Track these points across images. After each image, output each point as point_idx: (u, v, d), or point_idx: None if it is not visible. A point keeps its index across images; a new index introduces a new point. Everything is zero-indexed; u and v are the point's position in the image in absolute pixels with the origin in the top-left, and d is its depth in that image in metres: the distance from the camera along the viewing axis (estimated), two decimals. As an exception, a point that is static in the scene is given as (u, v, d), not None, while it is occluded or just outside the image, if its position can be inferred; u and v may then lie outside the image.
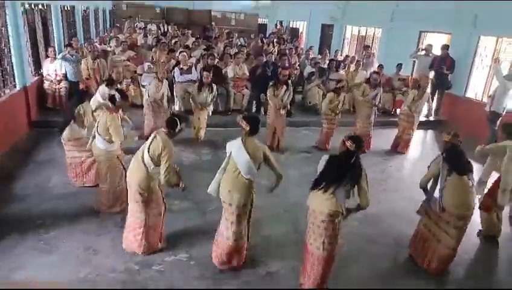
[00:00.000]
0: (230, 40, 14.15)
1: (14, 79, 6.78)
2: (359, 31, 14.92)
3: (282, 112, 6.85)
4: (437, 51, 9.47)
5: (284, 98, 6.82)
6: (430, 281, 3.90)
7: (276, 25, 21.36)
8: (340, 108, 6.98)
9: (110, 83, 5.77)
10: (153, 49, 10.24)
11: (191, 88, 7.07)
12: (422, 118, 8.85)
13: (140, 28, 15.69)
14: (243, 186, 3.56)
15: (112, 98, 4.43)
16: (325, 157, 3.40)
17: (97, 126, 4.40)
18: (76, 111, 4.93)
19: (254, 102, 8.88)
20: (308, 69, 10.08)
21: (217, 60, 9.11)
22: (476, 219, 4.54)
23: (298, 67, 11.05)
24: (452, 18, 9.46)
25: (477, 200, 4.32)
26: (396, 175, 6.53)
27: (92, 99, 5.36)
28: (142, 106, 7.15)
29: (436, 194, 3.90)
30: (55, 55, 8.03)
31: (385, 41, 12.39)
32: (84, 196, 4.87)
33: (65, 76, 8.03)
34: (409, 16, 11.21)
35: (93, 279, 3.50)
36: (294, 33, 19.77)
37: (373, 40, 13.86)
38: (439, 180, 3.82)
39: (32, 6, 7.88)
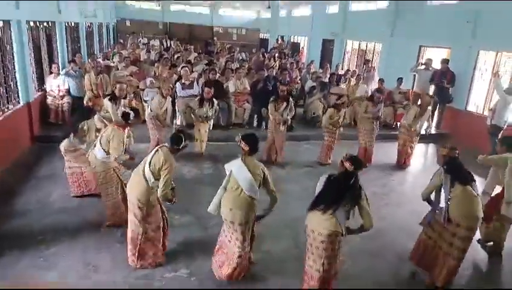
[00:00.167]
0: (232, 54, 14.31)
1: (18, 95, 6.86)
2: (359, 45, 15.06)
3: (282, 127, 6.86)
4: (437, 65, 9.53)
5: (285, 114, 6.84)
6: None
7: (277, 39, 21.62)
8: (342, 122, 7.01)
9: (113, 98, 5.82)
10: (156, 65, 10.36)
11: (193, 103, 7.13)
12: (423, 131, 8.85)
13: (143, 44, 15.91)
14: (245, 204, 3.56)
15: (125, 115, 4.44)
16: (323, 178, 3.39)
17: (100, 137, 4.43)
18: (80, 126, 4.98)
19: (255, 116, 8.92)
20: (309, 83, 10.15)
21: (218, 74, 9.21)
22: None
23: (299, 82, 11.14)
24: (451, 33, 9.55)
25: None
26: (399, 189, 6.50)
27: (96, 117, 5.42)
28: (144, 120, 7.19)
29: (441, 205, 3.89)
30: (58, 71, 8.15)
31: (385, 55, 12.50)
32: (85, 211, 4.88)
33: (68, 91, 8.14)
34: (408, 31, 11.34)
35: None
36: (296, 48, 19.99)
37: (373, 53, 13.99)
38: (443, 192, 3.81)
39: (37, 24, 8.02)
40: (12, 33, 6.54)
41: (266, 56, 14.46)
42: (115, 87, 6.00)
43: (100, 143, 4.38)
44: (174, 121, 8.23)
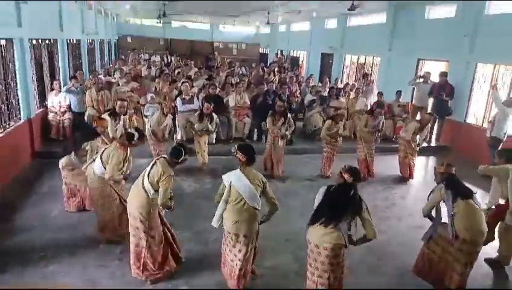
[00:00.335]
0: (232, 69, 14.44)
1: (19, 112, 6.92)
2: (358, 58, 15.20)
3: (280, 142, 6.88)
4: (435, 78, 9.60)
5: (282, 129, 6.86)
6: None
7: (276, 54, 21.84)
8: (341, 134, 7.01)
9: (112, 114, 5.85)
10: (157, 80, 10.46)
11: (193, 118, 7.17)
12: (424, 144, 8.88)
13: (145, 60, 16.09)
14: (250, 215, 3.57)
15: (129, 135, 4.39)
16: (322, 189, 3.38)
17: (101, 152, 4.42)
18: (83, 146, 5.00)
19: (255, 130, 8.97)
20: (309, 97, 10.21)
21: (218, 89, 9.28)
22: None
23: (299, 96, 11.21)
24: (449, 46, 9.66)
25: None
26: (400, 202, 6.46)
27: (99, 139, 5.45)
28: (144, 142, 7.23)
29: (444, 220, 3.87)
30: (60, 87, 8.24)
31: (384, 68, 12.60)
32: (85, 226, 4.87)
33: (69, 107, 8.21)
34: (406, 45, 11.47)
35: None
36: (295, 62, 20.17)
37: (372, 67, 14.11)
38: (446, 209, 3.77)
39: (40, 42, 8.13)
40: (14, 51, 6.64)
41: (266, 70, 14.60)
42: (116, 104, 6.03)
43: (101, 159, 4.36)
44: (175, 136, 8.27)
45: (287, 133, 6.94)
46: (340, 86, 12.11)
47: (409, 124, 7.28)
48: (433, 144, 9.67)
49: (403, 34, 11.69)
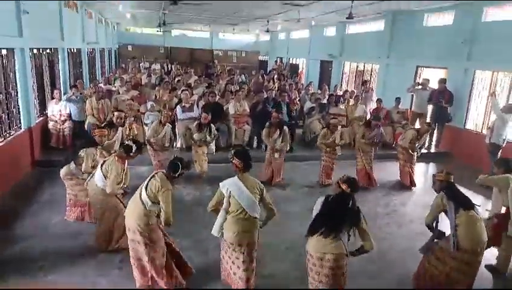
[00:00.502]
0: (232, 77, 14.50)
1: (20, 120, 6.95)
2: (357, 66, 15.27)
3: (276, 155, 6.86)
4: (434, 84, 9.64)
5: (278, 141, 6.83)
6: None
7: (276, 61, 21.95)
8: (338, 143, 6.97)
9: (109, 125, 5.86)
10: (157, 88, 10.51)
11: (192, 127, 7.19)
12: (424, 151, 8.89)
13: (145, 68, 16.17)
14: (251, 225, 3.57)
15: (126, 148, 4.37)
16: (320, 200, 3.37)
17: (101, 164, 4.41)
18: (79, 153, 5.00)
19: (255, 138, 8.98)
20: (308, 104, 10.25)
21: (218, 97, 9.32)
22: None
23: (298, 103, 11.25)
24: (447, 53, 9.73)
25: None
26: (401, 209, 6.45)
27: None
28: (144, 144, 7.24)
29: (443, 232, 3.86)
30: (60, 96, 8.28)
31: (383, 75, 12.66)
32: (85, 235, 4.86)
33: (69, 116, 8.24)
34: (405, 52, 11.53)
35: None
36: (294, 69, 20.27)
37: (371, 74, 14.17)
38: (449, 220, 3.76)
39: (40, 51, 8.19)
40: (15, 61, 6.68)
41: (265, 78, 14.66)
42: (113, 114, 6.03)
43: (101, 171, 4.34)
44: (175, 144, 8.28)
45: (282, 145, 6.86)
46: (340, 93, 12.15)
47: (407, 132, 7.30)
48: (433, 150, 9.68)
49: (401, 41, 11.76)
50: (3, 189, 5.97)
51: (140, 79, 12.77)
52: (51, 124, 8.03)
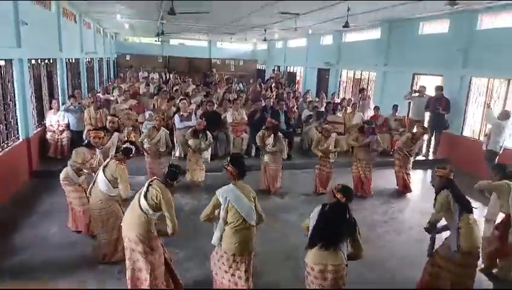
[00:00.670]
0: (230, 85, 14.55)
1: (18, 131, 6.95)
2: (354, 73, 15.36)
3: (266, 158, 6.89)
4: (431, 91, 9.70)
5: (270, 145, 6.85)
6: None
7: (273, 69, 22.06)
8: (331, 150, 6.94)
9: (103, 129, 5.82)
10: (155, 97, 10.54)
11: (187, 134, 7.20)
12: (421, 158, 8.93)
13: (143, 77, 16.22)
14: (252, 234, 3.58)
15: (125, 150, 4.40)
16: (317, 209, 3.34)
17: (103, 170, 4.35)
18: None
19: (253, 146, 8.99)
20: (306, 112, 10.29)
21: (216, 105, 9.35)
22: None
23: (296, 111, 11.28)
24: (443, 61, 9.80)
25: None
26: (399, 216, 6.44)
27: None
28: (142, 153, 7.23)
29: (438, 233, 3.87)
30: (58, 107, 8.29)
31: (380, 83, 12.73)
32: (83, 246, 4.85)
33: (67, 126, 8.24)
34: (401, 60, 11.63)
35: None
36: (292, 77, 20.36)
37: (368, 82, 14.25)
38: (454, 220, 3.77)
39: (39, 62, 8.22)
40: (13, 72, 6.70)
41: (263, 86, 14.71)
42: (106, 119, 6.04)
43: (105, 176, 4.31)
44: (173, 153, 8.29)
45: (273, 149, 6.85)
46: (337, 100, 12.20)
47: (403, 136, 7.39)
48: (430, 157, 9.71)
49: (398, 49, 11.86)
50: (2, 199, 5.94)
51: (139, 88, 12.79)
52: (49, 134, 8.03)
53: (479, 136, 8.99)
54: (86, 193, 4.83)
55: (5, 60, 6.42)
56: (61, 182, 5.03)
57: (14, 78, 6.73)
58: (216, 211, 3.65)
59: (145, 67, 18.84)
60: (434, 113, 9.31)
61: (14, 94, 6.76)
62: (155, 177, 3.83)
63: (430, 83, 10.32)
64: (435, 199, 4.01)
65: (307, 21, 12.62)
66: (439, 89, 9.33)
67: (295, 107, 11.56)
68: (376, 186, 7.41)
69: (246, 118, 9.05)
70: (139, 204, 3.64)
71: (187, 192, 6.79)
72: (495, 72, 8.39)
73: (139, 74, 17.35)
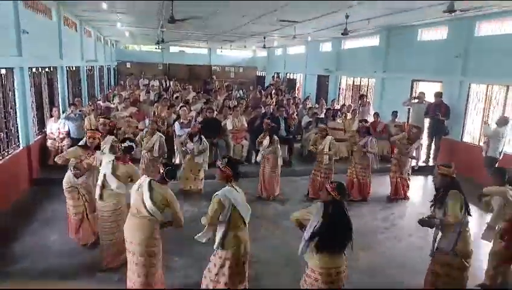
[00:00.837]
0: (230, 92, 14.60)
1: (18, 139, 6.97)
2: (353, 80, 15.42)
3: (259, 158, 6.97)
4: (430, 97, 9.73)
5: (263, 147, 6.89)
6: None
7: (273, 76, 22.13)
8: (326, 152, 6.89)
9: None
10: (155, 105, 10.58)
11: (183, 137, 7.21)
12: (421, 164, 8.92)
13: (144, 85, 16.29)
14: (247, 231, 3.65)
15: (126, 149, 4.43)
16: (319, 209, 3.29)
17: (112, 172, 4.31)
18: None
19: (253, 153, 9.00)
20: (306, 119, 10.32)
21: (216, 112, 9.38)
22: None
23: (296, 117, 11.32)
24: (442, 68, 9.86)
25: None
26: (399, 223, 6.43)
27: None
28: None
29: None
30: (59, 115, 8.32)
31: (379, 90, 12.78)
32: (82, 254, 4.85)
33: (68, 133, 8.26)
34: (400, 66, 11.68)
35: None
36: (292, 84, 20.43)
37: (368, 88, 14.30)
38: (460, 221, 3.74)
39: (39, 70, 8.27)
40: (14, 80, 6.74)
41: (263, 93, 14.76)
42: (98, 121, 6.07)
43: (113, 176, 4.29)
44: (173, 160, 8.29)
45: (268, 150, 6.87)
46: (337, 107, 12.25)
47: (400, 134, 7.55)
48: (431, 163, 9.70)
49: (397, 56, 11.92)
50: (2, 207, 5.94)
51: (139, 96, 12.84)
52: (49, 142, 8.05)
53: (478, 141, 9.00)
54: (83, 201, 4.86)
55: (6, 68, 6.45)
56: (64, 187, 5.01)
57: (15, 87, 6.76)
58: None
59: (146, 75, 18.93)
60: (434, 120, 9.33)
61: (15, 102, 6.78)
62: (151, 178, 3.81)
63: (429, 90, 10.35)
64: (435, 198, 3.95)
65: (306, 28, 12.70)
66: (438, 95, 9.36)
67: (295, 114, 11.61)
68: (374, 192, 7.40)
69: (246, 125, 9.08)
70: (145, 207, 3.63)
71: (186, 199, 6.78)
72: (494, 78, 8.43)
73: (140, 81, 17.43)
